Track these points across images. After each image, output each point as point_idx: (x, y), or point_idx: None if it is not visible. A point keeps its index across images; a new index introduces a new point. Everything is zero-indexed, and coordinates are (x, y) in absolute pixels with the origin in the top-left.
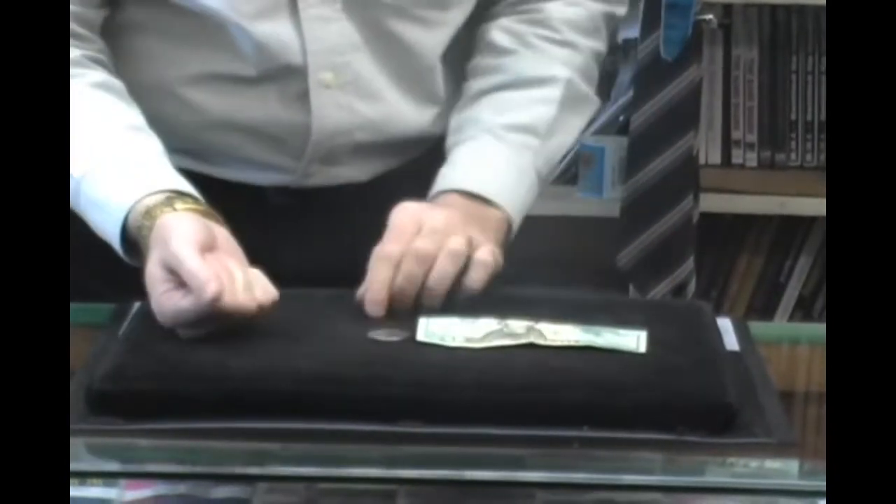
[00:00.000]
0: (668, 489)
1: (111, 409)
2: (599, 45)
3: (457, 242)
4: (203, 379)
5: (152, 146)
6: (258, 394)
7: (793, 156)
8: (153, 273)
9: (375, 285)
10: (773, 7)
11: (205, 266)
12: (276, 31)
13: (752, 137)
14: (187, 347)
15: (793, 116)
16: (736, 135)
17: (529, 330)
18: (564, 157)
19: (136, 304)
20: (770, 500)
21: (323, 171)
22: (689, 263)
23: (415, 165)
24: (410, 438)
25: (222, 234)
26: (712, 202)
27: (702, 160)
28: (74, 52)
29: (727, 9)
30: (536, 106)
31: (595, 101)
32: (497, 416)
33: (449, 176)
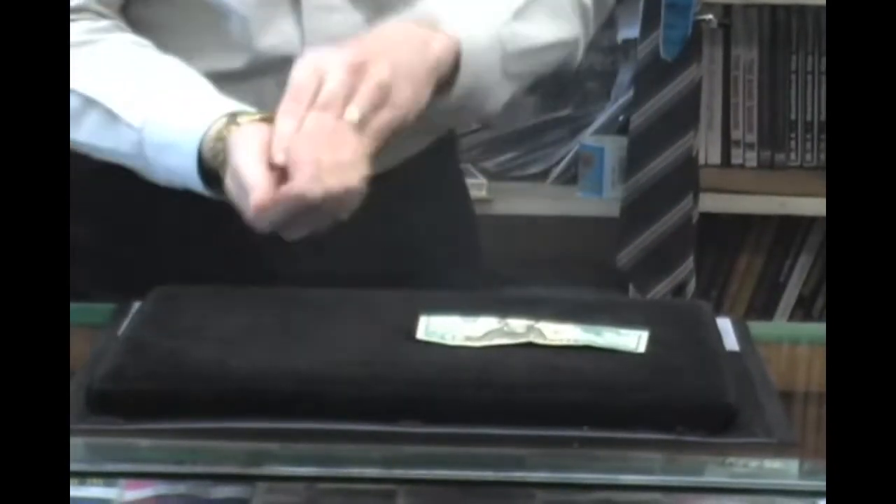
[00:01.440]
0: (667, 489)
1: (111, 409)
2: None
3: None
4: (203, 379)
5: (198, 80)
6: (258, 394)
7: (792, 156)
8: (228, 187)
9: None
10: (773, 7)
11: (258, 171)
12: (276, 21)
13: (752, 137)
14: (187, 347)
15: (792, 116)
16: (735, 135)
17: (530, 329)
18: (534, 57)
19: (136, 304)
20: (770, 500)
21: None
22: (689, 263)
23: (414, 164)
24: (410, 438)
25: None
26: (712, 202)
27: (701, 160)
28: (103, 22)
29: (727, 9)
30: None
31: (576, 30)
32: (497, 416)
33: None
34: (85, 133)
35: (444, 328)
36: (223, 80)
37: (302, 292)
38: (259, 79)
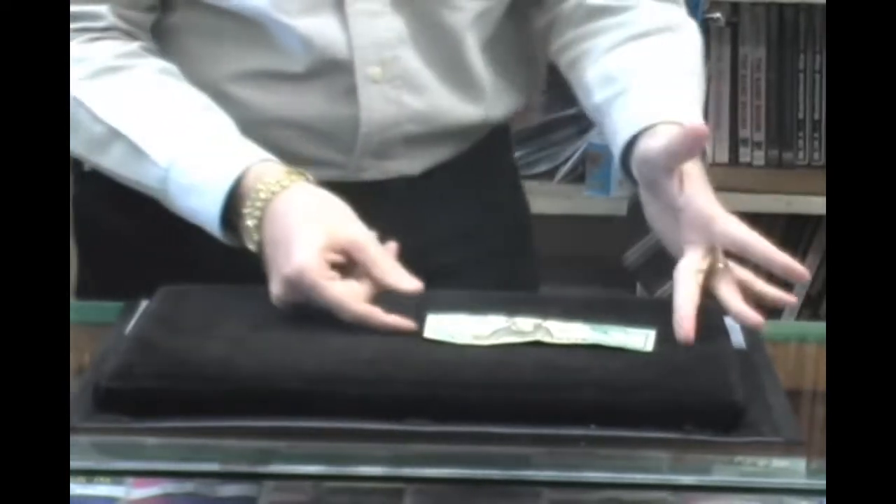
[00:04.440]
0: (674, 488)
1: (119, 407)
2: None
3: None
4: (210, 377)
5: (223, 119)
6: (265, 392)
7: (800, 154)
8: (272, 259)
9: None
10: (781, 5)
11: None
12: (321, 27)
13: (760, 136)
14: (195, 346)
15: (800, 115)
16: (743, 133)
17: (537, 328)
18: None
19: (144, 303)
20: (777, 498)
21: (375, 165)
22: None
23: (466, 158)
24: (417, 437)
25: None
26: (719, 201)
27: (709, 158)
28: (132, 45)
29: (735, 7)
30: (683, 49)
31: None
32: (504, 415)
33: (659, 109)
34: (111, 162)
35: (451, 327)
36: (278, 82)
37: None
38: (309, 82)
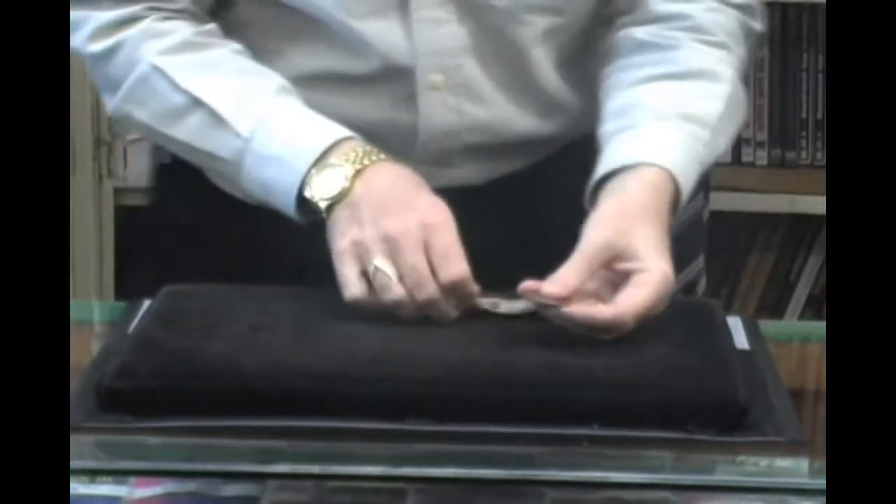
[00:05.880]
0: (677, 487)
1: (121, 407)
2: (744, 53)
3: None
4: (213, 376)
5: (299, 102)
6: (267, 391)
7: (803, 154)
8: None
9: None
10: (784, 5)
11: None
12: (385, 32)
13: (763, 136)
14: (197, 345)
15: (803, 115)
16: (746, 133)
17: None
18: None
19: (146, 302)
20: (779, 498)
21: (436, 173)
22: (699, 262)
23: (532, 170)
24: (420, 436)
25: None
26: (722, 200)
27: None
28: (210, 25)
29: None
30: (706, 99)
31: (744, 113)
32: (506, 414)
33: (633, 151)
34: (185, 132)
35: None
36: (341, 84)
37: (311, 290)
38: (371, 85)
